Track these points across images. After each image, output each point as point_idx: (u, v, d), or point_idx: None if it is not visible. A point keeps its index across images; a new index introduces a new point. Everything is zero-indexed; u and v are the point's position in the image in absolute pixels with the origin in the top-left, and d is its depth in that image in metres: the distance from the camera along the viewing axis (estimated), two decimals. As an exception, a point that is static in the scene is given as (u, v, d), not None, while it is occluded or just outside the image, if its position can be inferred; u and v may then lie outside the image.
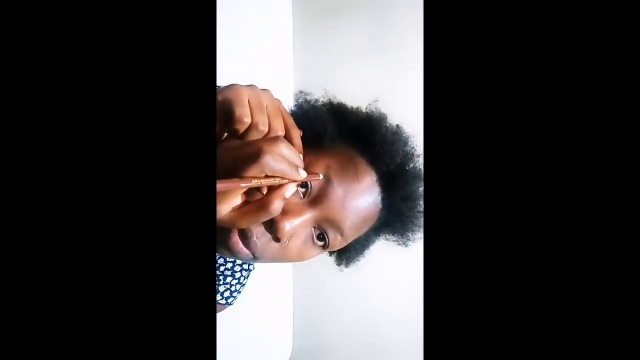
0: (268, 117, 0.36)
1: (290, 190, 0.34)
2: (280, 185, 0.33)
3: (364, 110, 0.50)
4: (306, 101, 0.49)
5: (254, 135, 0.35)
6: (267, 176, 0.32)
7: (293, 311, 1.49)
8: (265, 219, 0.33)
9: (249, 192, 0.33)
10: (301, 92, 0.50)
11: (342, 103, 0.51)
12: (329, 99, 0.51)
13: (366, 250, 0.54)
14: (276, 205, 0.32)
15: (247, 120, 0.34)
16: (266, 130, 0.35)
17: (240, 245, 0.40)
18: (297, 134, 0.39)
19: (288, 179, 0.33)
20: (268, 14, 1.35)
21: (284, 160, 0.32)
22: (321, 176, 0.40)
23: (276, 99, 0.39)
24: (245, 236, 0.40)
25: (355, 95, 0.52)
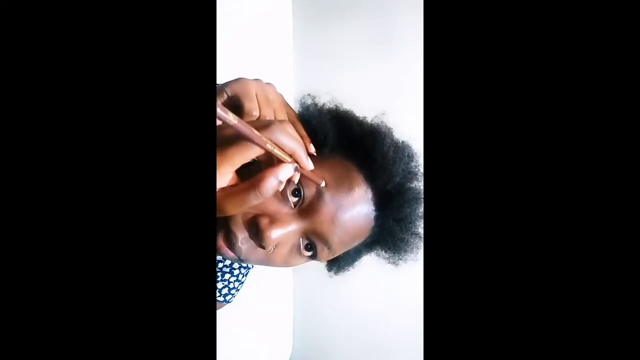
0: (274, 111, 0.37)
1: (284, 172, 0.30)
2: (276, 164, 0.31)
3: (369, 121, 0.48)
4: (314, 104, 0.47)
5: None
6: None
7: (293, 311, 1.49)
8: (254, 202, 0.30)
9: (243, 172, 0.31)
10: (308, 95, 0.48)
11: (349, 111, 0.48)
12: (336, 106, 0.48)
13: (356, 262, 0.53)
14: (268, 184, 0.29)
15: (256, 113, 0.36)
16: None
17: (224, 248, 0.40)
18: (300, 127, 0.40)
19: (295, 158, 0.32)
20: (268, 15, 1.35)
21: (293, 137, 0.32)
22: (323, 183, 0.39)
23: (279, 93, 0.41)
24: (230, 241, 0.39)
25: (355, 96, 0.52)
